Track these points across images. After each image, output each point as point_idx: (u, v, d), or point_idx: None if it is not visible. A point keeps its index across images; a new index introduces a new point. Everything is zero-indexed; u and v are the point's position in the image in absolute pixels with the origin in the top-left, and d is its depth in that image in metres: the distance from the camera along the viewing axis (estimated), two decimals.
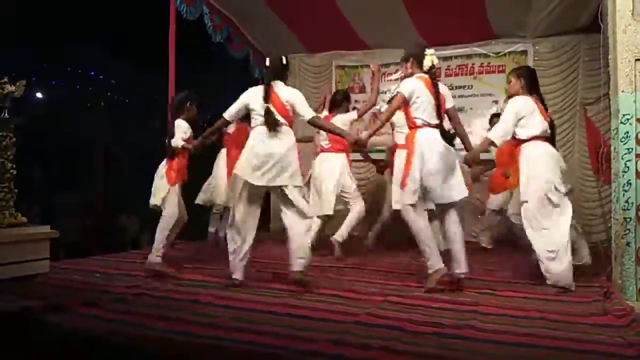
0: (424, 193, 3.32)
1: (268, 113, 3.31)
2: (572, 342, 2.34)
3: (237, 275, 3.42)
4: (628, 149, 3.15)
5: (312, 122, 3.51)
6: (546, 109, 3.67)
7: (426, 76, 3.37)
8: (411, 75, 3.45)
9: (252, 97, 3.43)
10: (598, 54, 3.93)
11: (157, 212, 4.32)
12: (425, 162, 3.25)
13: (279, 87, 3.43)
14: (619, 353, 2.22)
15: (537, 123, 3.51)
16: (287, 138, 3.37)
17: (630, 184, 3.14)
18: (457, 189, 3.34)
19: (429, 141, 3.29)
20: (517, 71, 3.75)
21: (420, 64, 3.40)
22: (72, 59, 8.09)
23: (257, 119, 3.39)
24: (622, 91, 3.18)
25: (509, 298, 3.21)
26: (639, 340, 2.31)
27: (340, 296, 3.17)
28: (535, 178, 3.43)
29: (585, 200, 6.03)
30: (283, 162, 3.29)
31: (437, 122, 3.33)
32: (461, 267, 3.33)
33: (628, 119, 3.16)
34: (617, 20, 3.21)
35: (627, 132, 3.16)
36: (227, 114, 3.54)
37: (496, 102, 6.30)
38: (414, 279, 3.67)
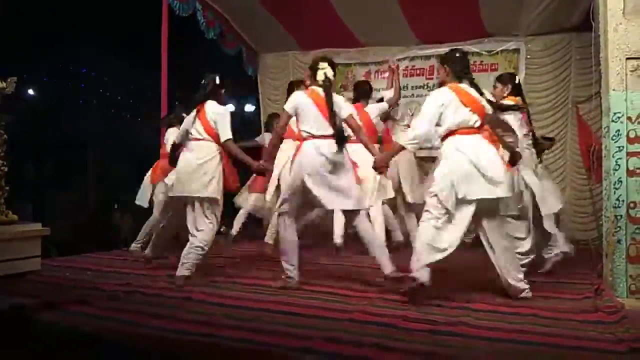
0: (306, 200, 3.37)
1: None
2: (563, 339, 2.36)
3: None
4: (619, 147, 3.17)
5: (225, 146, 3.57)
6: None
7: (317, 89, 3.35)
8: (308, 86, 3.50)
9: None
10: (590, 52, 3.95)
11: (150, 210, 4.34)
12: (302, 169, 3.28)
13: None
14: (609, 349, 2.24)
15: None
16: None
17: (621, 181, 3.16)
18: (349, 198, 3.31)
19: (310, 151, 3.28)
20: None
21: (314, 77, 3.40)
22: (64, 55, 8.03)
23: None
24: (613, 89, 3.19)
25: (501, 295, 3.22)
26: (629, 337, 2.33)
27: (333, 293, 3.18)
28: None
29: (577, 198, 6.08)
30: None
31: (326, 132, 3.29)
32: (386, 269, 3.28)
33: (619, 117, 3.18)
34: (608, 19, 3.23)
35: (618, 130, 3.17)
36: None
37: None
38: (406, 277, 3.67)
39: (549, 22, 5.90)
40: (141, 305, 2.86)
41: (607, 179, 3.27)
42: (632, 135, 3.16)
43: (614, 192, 3.17)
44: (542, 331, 2.46)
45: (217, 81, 3.70)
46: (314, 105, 3.32)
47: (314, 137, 3.32)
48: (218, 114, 3.58)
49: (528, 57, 6.30)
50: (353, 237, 4.96)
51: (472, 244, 5.19)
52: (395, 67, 4.83)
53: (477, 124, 3.08)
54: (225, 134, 3.53)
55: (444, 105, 3.05)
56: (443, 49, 6.60)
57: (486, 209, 3.03)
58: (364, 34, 6.66)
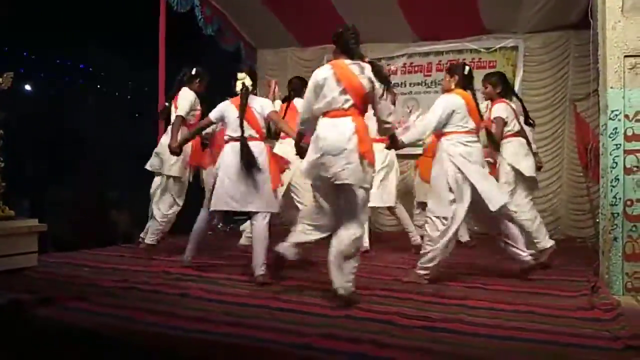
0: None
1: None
2: (559, 336, 2.37)
3: None
4: (616, 144, 3.18)
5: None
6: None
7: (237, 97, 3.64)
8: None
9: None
10: (588, 50, 3.97)
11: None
12: (220, 171, 3.56)
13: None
14: (605, 346, 2.24)
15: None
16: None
17: (618, 179, 3.17)
18: (257, 201, 3.51)
19: (228, 154, 3.56)
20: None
21: (235, 87, 3.67)
22: (61, 51, 7.99)
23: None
24: (611, 87, 3.20)
25: (497, 292, 3.24)
26: (624, 334, 2.34)
27: (330, 290, 3.17)
28: None
29: (574, 195, 6.10)
30: None
31: (241, 134, 3.50)
32: (258, 270, 3.41)
33: (617, 115, 3.18)
34: (606, 16, 3.23)
35: (616, 128, 3.18)
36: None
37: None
38: (403, 273, 3.69)
39: (548, 19, 5.91)
40: (138, 302, 2.86)
41: (604, 176, 3.28)
42: (629, 133, 3.17)
43: (611, 190, 3.18)
44: (539, 328, 2.47)
45: (193, 72, 4.30)
46: (235, 109, 3.60)
47: (233, 139, 3.57)
48: (180, 95, 4.20)
49: (526, 54, 6.31)
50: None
51: (475, 245, 5.25)
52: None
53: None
54: (178, 110, 4.12)
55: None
56: (441, 46, 6.66)
57: None
58: (362, 31, 6.57)
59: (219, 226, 5.99)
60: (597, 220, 3.83)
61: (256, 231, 3.53)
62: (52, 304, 2.71)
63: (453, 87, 3.62)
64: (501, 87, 4.16)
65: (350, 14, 6.20)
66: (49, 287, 3.15)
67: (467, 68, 3.67)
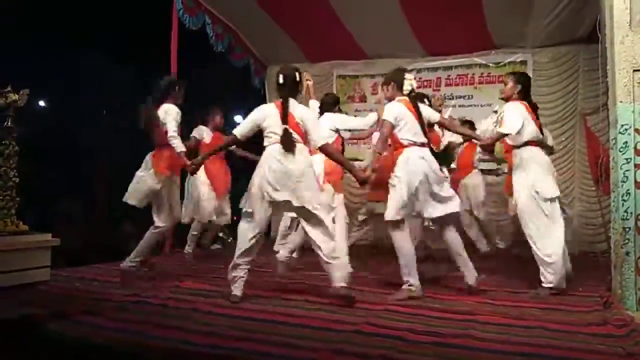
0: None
1: (286, 134, 3.22)
2: (572, 352, 2.34)
3: (238, 292, 3.28)
4: (627, 158, 3.17)
5: (322, 149, 3.41)
6: (538, 117, 3.83)
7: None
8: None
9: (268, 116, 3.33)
10: (597, 64, 3.96)
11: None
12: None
13: (293, 105, 3.34)
14: None
15: (531, 129, 3.68)
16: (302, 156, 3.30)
17: (629, 193, 3.15)
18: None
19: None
20: (515, 76, 3.89)
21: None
22: (75, 67, 8.14)
23: (272, 137, 3.28)
24: (621, 101, 3.20)
25: (508, 307, 3.21)
26: (638, 350, 2.31)
27: (339, 305, 3.17)
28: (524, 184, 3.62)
29: (586, 209, 6.05)
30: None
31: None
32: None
33: (626, 129, 3.17)
34: (614, 31, 3.24)
35: (626, 142, 3.17)
36: (238, 132, 3.38)
37: (496, 112, 6.34)
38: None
39: (556, 34, 5.93)
40: (148, 316, 2.87)
41: (615, 190, 3.26)
42: (639, 147, 3.15)
43: (622, 204, 3.16)
44: (550, 344, 2.44)
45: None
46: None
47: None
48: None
49: (535, 69, 6.32)
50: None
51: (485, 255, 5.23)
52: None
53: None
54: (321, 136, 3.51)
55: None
56: (450, 61, 6.69)
57: None
58: (370, 46, 6.72)
59: (230, 240, 6.02)
60: (609, 234, 3.79)
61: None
62: (64, 318, 2.74)
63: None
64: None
65: (359, 31, 6.29)
66: (61, 301, 3.18)
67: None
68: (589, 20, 5.14)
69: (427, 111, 3.71)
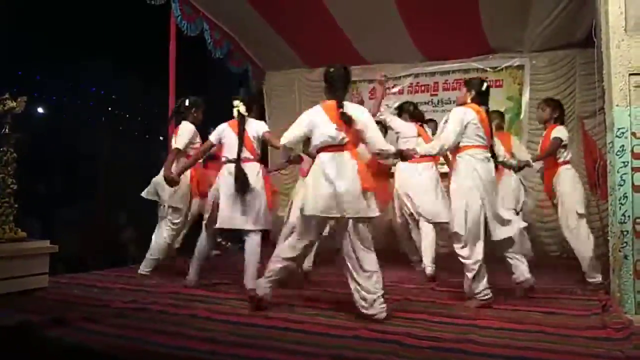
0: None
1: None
2: (571, 356, 2.34)
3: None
4: (624, 162, 3.18)
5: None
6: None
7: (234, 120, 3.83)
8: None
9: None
10: (594, 68, 3.98)
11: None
12: (220, 191, 3.75)
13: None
14: None
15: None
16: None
17: (627, 197, 3.16)
18: (250, 220, 3.68)
19: (225, 175, 3.74)
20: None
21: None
22: (73, 74, 8.15)
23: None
24: (617, 105, 3.21)
25: (508, 311, 3.21)
26: (637, 354, 2.31)
27: (338, 310, 3.17)
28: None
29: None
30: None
31: (237, 158, 3.72)
32: (249, 284, 3.55)
33: (623, 133, 3.19)
34: (610, 35, 3.26)
35: (623, 145, 3.18)
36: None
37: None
38: (412, 293, 3.67)
39: (553, 38, 5.95)
40: (148, 322, 2.87)
41: (612, 194, 3.27)
42: (636, 150, 3.16)
43: (620, 208, 3.17)
44: (550, 348, 2.45)
45: (187, 103, 4.28)
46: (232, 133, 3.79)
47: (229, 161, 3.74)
48: (180, 129, 4.15)
49: (532, 73, 6.35)
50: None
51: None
52: (382, 81, 4.59)
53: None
54: (176, 144, 4.06)
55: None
56: (447, 66, 6.71)
57: None
58: (369, 52, 6.74)
59: (228, 245, 6.01)
60: (608, 238, 3.80)
61: (249, 248, 3.69)
62: (63, 325, 2.73)
63: (469, 101, 3.65)
64: (559, 113, 4.42)
65: (358, 36, 6.31)
66: (59, 308, 3.17)
67: (484, 84, 3.69)
68: (585, 24, 5.17)
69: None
